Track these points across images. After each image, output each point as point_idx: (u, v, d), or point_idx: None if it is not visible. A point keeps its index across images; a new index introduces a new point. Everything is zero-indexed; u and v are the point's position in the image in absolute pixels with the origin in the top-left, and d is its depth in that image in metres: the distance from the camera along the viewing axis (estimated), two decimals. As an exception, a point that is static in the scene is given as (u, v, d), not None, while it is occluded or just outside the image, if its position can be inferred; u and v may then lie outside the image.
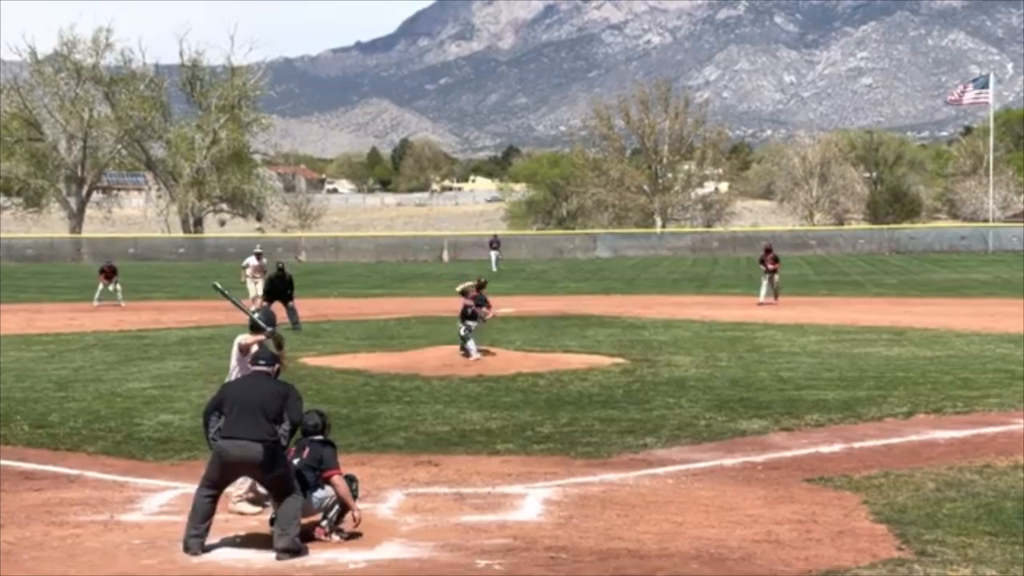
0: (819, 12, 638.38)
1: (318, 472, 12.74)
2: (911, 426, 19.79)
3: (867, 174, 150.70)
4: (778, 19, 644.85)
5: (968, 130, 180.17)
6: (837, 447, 18.00)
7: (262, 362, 12.79)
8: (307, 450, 12.89)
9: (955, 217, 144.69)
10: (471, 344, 28.53)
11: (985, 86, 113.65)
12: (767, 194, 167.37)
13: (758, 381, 25.02)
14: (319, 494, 12.70)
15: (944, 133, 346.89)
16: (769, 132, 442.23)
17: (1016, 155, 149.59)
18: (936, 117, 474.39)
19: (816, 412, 20.86)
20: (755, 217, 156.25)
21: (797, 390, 23.59)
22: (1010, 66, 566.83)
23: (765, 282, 48.36)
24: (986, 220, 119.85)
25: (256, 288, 42.37)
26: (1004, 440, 18.49)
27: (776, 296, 48.07)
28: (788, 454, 17.59)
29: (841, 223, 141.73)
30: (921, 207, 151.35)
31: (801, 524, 13.36)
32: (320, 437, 13.03)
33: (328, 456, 12.87)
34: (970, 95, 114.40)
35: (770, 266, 48.10)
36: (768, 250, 48.68)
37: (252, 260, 44.67)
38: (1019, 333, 34.70)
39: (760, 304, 47.01)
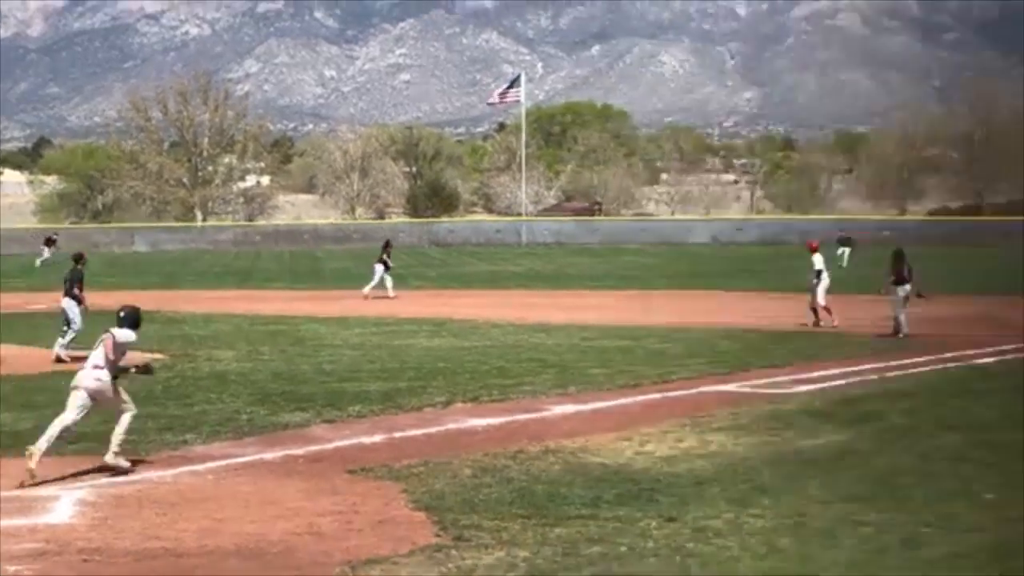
0: (358, 8, 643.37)
1: None
2: (450, 415, 20.30)
3: (407, 168, 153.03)
4: (318, 14, 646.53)
5: (502, 127, 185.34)
6: (378, 438, 18.27)
7: None
8: None
9: (491, 211, 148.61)
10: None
11: (517, 85, 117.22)
12: (309, 188, 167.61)
13: (301, 374, 25.11)
14: None
15: (480, 129, 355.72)
16: (311, 126, 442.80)
17: (547, 151, 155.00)
18: (472, 113, 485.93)
19: (358, 404, 21.10)
20: (297, 211, 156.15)
21: (339, 382, 23.80)
22: (540, 66, 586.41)
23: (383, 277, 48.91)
24: (519, 214, 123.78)
25: None
26: (536, 426, 19.21)
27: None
28: (330, 446, 17.74)
29: (382, 217, 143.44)
30: (459, 201, 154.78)
31: (342, 515, 13.50)
32: None
33: None
34: (505, 94, 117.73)
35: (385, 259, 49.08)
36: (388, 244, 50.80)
37: None
38: (550, 323, 36.11)
39: (366, 297, 47.12)
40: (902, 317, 31.88)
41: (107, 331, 16.14)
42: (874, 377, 23.85)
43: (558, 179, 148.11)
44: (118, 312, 16.45)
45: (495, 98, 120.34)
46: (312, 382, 23.91)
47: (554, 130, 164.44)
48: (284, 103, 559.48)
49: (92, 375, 15.91)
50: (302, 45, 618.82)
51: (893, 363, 25.81)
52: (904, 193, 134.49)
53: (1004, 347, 28.88)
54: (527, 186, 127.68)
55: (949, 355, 27.40)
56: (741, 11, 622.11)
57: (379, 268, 48.79)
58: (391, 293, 47.64)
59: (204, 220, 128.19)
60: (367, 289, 47.27)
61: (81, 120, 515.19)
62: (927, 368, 25.37)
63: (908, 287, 32.25)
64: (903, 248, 33.84)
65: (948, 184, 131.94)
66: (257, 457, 16.94)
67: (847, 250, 68.63)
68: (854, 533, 12.45)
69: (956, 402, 21.01)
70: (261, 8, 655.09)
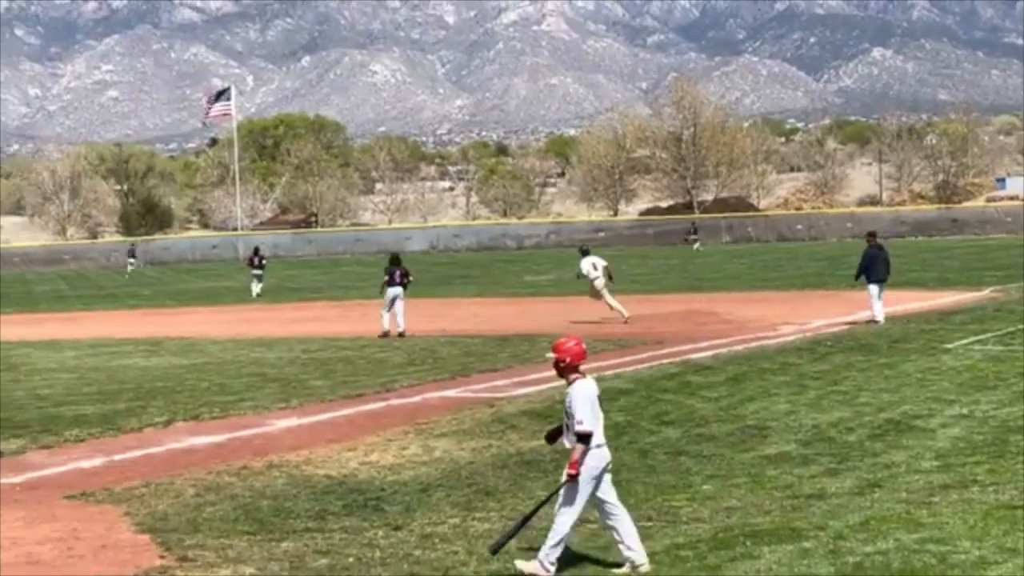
0: (60, 25, 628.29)
1: None
2: (171, 434, 20.00)
3: (118, 187, 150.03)
4: (19, 31, 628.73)
5: (214, 141, 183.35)
6: (98, 461, 17.90)
7: None
8: None
9: (206, 226, 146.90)
10: None
11: (227, 98, 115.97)
12: (18, 210, 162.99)
13: (15, 400, 24.42)
14: None
15: (192, 144, 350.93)
16: (17, 147, 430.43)
17: (260, 164, 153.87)
18: (183, 129, 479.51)
19: (76, 427, 20.62)
20: (7, 233, 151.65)
21: (56, 407, 23.23)
22: (250, 78, 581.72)
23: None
24: (235, 228, 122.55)
25: None
26: (260, 441, 19.08)
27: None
28: (48, 472, 17.30)
29: (95, 236, 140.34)
30: (173, 218, 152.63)
31: (63, 542, 13.18)
32: None
33: None
34: (215, 109, 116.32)
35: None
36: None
37: None
38: (271, 337, 35.88)
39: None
40: None
41: None
42: (593, 376, 24.30)
43: (273, 192, 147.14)
44: None
45: (205, 108, 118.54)
46: (27, 408, 23.28)
47: (267, 143, 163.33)
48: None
49: None
50: (3, 64, 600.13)
51: (612, 361, 26.41)
52: (616, 194, 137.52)
53: (717, 341, 29.82)
54: (242, 200, 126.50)
55: (664, 351, 28.16)
56: (450, 19, 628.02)
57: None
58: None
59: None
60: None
61: None
62: (644, 365, 26.00)
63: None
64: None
65: (659, 184, 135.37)
66: (-29, 488, 16.41)
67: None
68: (577, 531, 12.69)
69: (673, 397, 21.61)
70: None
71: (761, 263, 66.66)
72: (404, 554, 12.16)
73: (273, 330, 38.33)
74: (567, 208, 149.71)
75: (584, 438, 11.24)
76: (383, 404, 22.34)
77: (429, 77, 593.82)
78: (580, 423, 11.24)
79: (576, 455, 11.23)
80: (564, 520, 11.35)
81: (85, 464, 17.75)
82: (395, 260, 36.87)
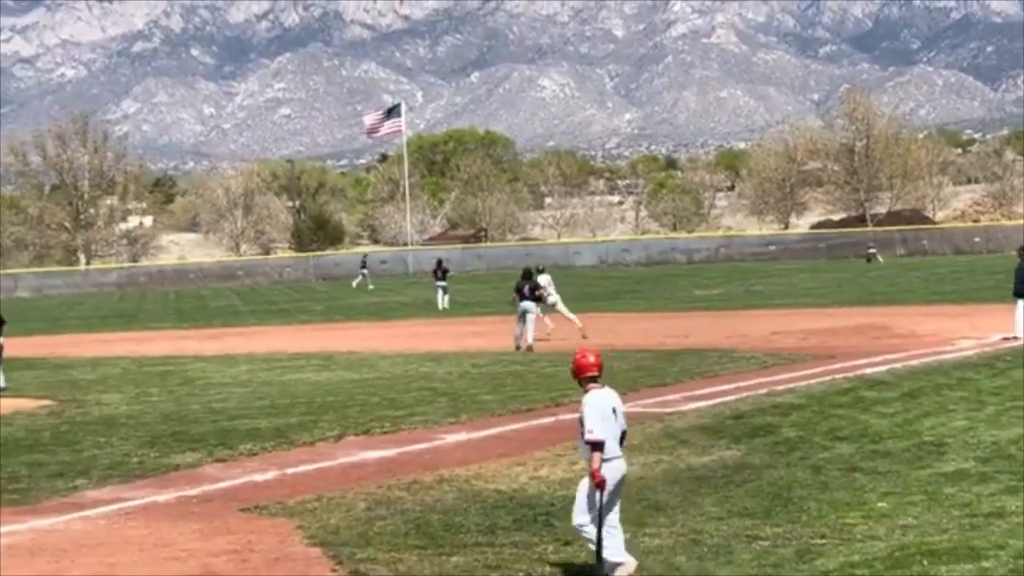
0: (235, 44, 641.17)
1: None
2: (342, 448, 20.17)
3: (290, 203, 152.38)
4: (195, 51, 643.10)
5: (384, 157, 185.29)
6: (271, 475, 18.11)
7: None
8: None
9: (377, 242, 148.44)
10: None
11: (397, 115, 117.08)
12: (193, 227, 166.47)
13: (191, 414, 24.84)
14: None
15: (362, 160, 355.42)
16: (192, 164, 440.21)
17: (430, 180, 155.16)
18: (354, 145, 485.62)
19: (249, 441, 20.91)
20: (182, 250, 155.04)
21: (230, 420, 23.58)
22: (420, 94, 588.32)
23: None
24: (405, 244, 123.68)
25: None
26: (429, 456, 19.14)
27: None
28: (223, 485, 17.55)
29: (267, 252, 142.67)
30: (344, 233, 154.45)
31: (238, 554, 13.36)
32: None
33: None
34: (385, 125, 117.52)
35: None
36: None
37: None
38: (439, 351, 36.06)
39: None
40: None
41: None
42: (764, 392, 24.05)
43: (442, 207, 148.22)
44: None
45: (375, 126, 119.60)
46: (202, 422, 23.67)
47: (436, 159, 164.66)
48: (164, 142, 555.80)
49: None
50: (180, 83, 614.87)
51: (783, 376, 26.07)
52: (787, 207, 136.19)
53: (892, 355, 29.27)
54: (412, 215, 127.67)
55: (837, 366, 27.71)
56: (618, 33, 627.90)
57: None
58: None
59: (87, 263, 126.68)
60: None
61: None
62: (816, 380, 25.62)
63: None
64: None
65: (830, 197, 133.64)
66: (149, 500, 16.72)
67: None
68: (749, 548, 12.53)
69: (846, 412, 21.24)
70: (137, 48, 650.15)
71: (937, 276, 65.40)
72: (575, 570, 12.09)
73: (443, 345, 38.51)
74: (737, 222, 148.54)
75: (596, 446, 11.33)
76: (552, 419, 22.28)
77: (598, 91, 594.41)
78: (590, 432, 11.35)
79: (595, 464, 11.31)
80: (587, 529, 11.47)
81: (259, 477, 17.97)
82: (527, 275, 37.39)
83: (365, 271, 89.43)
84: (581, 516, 11.49)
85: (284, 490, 16.85)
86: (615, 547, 11.53)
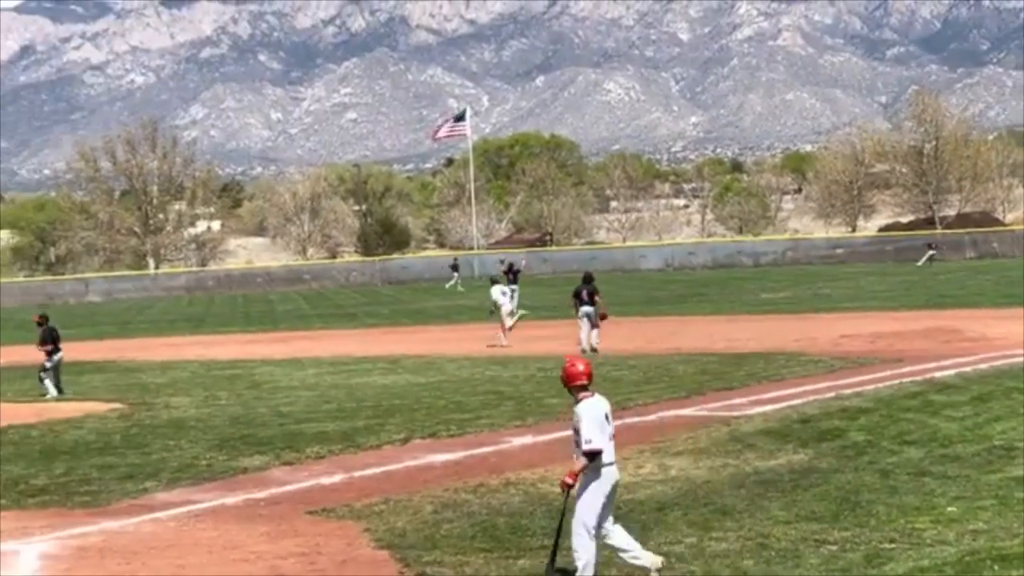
0: (301, 50, 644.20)
1: None
2: (408, 451, 20.24)
3: (357, 207, 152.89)
4: (262, 57, 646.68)
5: (450, 161, 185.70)
6: (338, 478, 18.20)
7: None
8: None
9: (443, 246, 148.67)
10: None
11: (462, 119, 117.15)
12: (260, 231, 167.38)
13: (258, 417, 25.00)
14: None
15: (428, 165, 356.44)
16: (259, 169, 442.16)
17: (495, 184, 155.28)
18: (420, 150, 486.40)
19: (316, 444, 21.02)
20: (249, 254, 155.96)
21: (297, 424, 23.71)
22: (485, 99, 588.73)
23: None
24: (471, 248, 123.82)
25: None
26: (496, 459, 19.17)
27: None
28: (290, 488, 17.67)
29: (334, 256, 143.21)
30: (410, 237, 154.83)
31: (305, 556, 13.44)
32: None
33: None
34: (449, 129, 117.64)
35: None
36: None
37: None
38: (507, 355, 36.08)
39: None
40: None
41: None
42: (831, 395, 23.92)
43: (508, 211, 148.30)
44: None
45: (441, 130, 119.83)
46: (270, 425, 23.82)
47: (502, 162, 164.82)
48: (232, 147, 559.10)
49: None
50: (247, 88, 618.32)
51: (851, 379, 25.92)
52: (855, 210, 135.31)
53: (961, 359, 29.03)
54: (478, 219, 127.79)
55: (905, 370, 27.52)
56: (684, 36, 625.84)
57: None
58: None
59: (157, 267, 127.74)
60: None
61: (31, 173, 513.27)
62: (884, 384, 25.44)
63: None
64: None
65: (899, 199, 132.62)
66: (218, 502, 16.85)
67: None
68: (817, 552, 12.47)
69: (915, 416, 21.08)
70: (205, 54, 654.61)
71: (1007, 279, 64.65)
72: (638, 573, 12.06)
73: (509, 348, 38.54)
74: (804, 225, 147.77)
75: (591, 456, 11.42)
76: (618, 422, 22.17)
77: (663, 94, 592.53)
78: (588, 442, 11.45)
79: (577, 467, 11.45)
80: (581, 542, 11.51)
81: (326, 480, 18.07)
82: (587, 279, 37.41)
83: (457, 274, 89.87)
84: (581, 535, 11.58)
85: (351, 493, 16.93)
86: (630, 545, 11.72)
